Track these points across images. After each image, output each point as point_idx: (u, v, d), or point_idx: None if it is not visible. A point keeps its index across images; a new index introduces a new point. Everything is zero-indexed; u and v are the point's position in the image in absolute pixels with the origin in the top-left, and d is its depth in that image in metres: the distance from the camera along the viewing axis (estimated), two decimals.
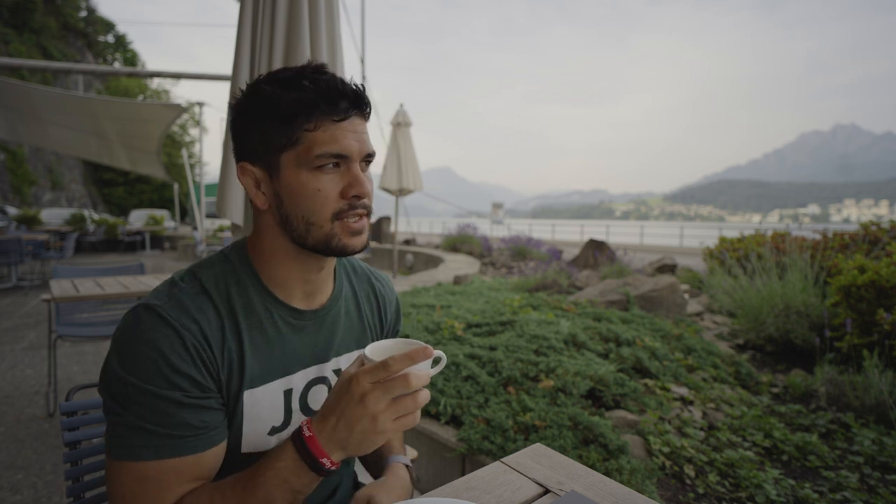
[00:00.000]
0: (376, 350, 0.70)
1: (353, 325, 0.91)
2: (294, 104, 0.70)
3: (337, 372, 0.87)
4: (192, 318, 0.70)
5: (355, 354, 0.89)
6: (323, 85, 0.71)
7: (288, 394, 0.80)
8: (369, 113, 0.77)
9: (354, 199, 0.73)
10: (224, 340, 0.73)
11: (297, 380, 0.81)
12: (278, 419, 0.79)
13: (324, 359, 0.85)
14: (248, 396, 0.75)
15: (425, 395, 0.63)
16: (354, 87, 0.74)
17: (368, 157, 0.76)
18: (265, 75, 0.75)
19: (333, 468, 0.63)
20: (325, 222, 0.73)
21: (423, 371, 0.63)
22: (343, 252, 0.75)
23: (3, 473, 2.38)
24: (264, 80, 0.74)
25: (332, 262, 0.85)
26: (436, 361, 0.69)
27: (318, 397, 0.84)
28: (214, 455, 0.71)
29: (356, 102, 0.73)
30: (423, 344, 0.64)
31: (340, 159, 0.72)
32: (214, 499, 0.67)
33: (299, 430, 0.64)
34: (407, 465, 0.94)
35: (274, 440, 0.78)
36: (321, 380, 0.85)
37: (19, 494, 2.22)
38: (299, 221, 0.73)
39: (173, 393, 0.66)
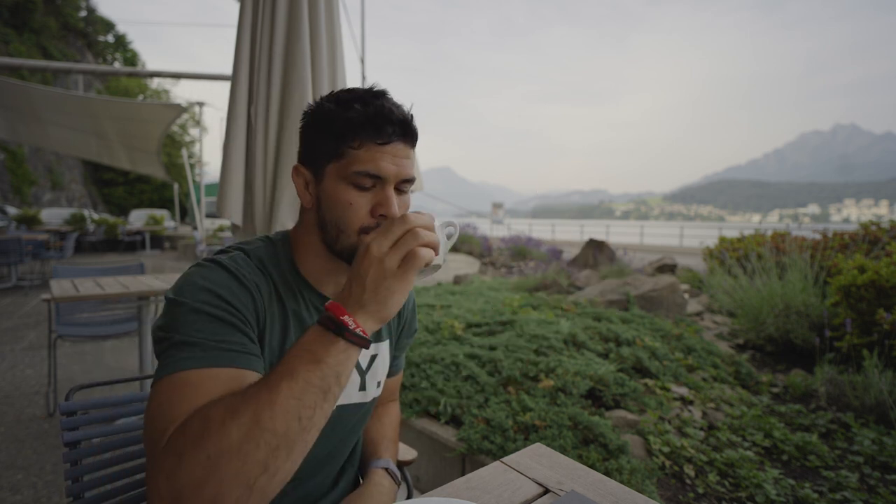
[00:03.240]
0: None
1: None
2: (344, 123, 0.77)
3: (357, 367, 0.90)
4: (251, 273, 0.78)
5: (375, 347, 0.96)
6: (372, 110, 0.77)
7: None
8: (415, 140, 0.82)
9: (381, 219, 0.78)
10: (271, 305, 0.79)
11: None
12: None
13: None
14: None
15: (430, 236, 0.64)
16: (403, 115, 0.79)
17: (405, 182, 0.81)
18: (332, 93, 0.82)
19: (358, 330, 0.63)
20: (352, 234, 0.79)
21: (430, 229, 0.66)
22: None
23: (3, 473, 2.38)
24: (328, 97, 0.82)
25: None
26: (450, 236, 0.75)
27: None
28: (253, 379, 0.69)
29: (401, 130, 0.79)
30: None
31: (376, 180, 0.77)
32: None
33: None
34: (387, 469, 0.95)
35: None
36: None
37: (19, 494, 2.22)
38: (332, 227, 0.80)
39: (220, 311, 0.70)
